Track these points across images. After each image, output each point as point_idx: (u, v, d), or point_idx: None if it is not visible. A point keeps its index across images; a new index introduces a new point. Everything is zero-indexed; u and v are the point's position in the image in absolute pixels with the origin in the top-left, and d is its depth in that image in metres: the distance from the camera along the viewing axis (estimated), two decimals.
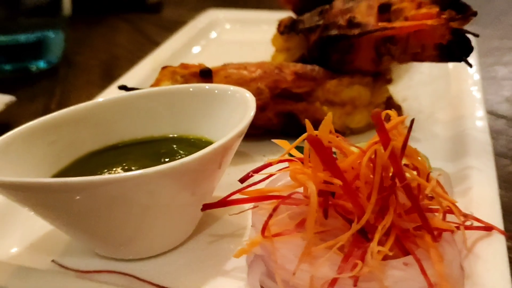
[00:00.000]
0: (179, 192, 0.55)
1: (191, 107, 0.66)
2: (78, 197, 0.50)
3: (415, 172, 0.54)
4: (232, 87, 0.65)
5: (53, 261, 0.57)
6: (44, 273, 0.54)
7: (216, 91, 0.65)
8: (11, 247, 0.59)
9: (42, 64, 1.14)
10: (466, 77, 0.95)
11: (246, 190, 0.55)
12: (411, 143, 0.76)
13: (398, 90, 0.96)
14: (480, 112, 0.82)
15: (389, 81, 0.82)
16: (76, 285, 0.53)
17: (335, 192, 0.52)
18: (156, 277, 0.55)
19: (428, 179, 0.52)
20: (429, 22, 0.66)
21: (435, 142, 0.79)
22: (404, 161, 0.53)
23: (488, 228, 0.55)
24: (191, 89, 0.67)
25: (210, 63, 0.80)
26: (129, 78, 0.95)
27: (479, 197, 0.62)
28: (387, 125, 0.51)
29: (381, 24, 0.72)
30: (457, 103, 0.86)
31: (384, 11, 0.72)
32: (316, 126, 0.52)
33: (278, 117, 0.78)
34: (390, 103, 0.85)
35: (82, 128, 0.63)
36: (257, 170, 0.58)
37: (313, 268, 0.48)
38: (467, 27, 0.69)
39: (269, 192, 0.54)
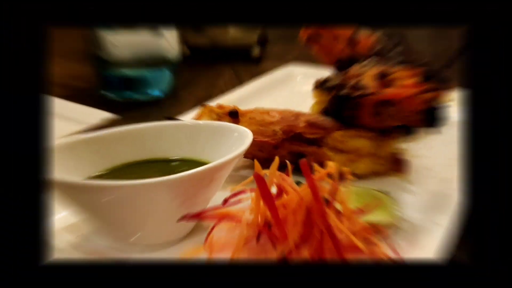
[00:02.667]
0: (171, 202, 0.59)
1: (205, 139, 0.71)
2: (90, 196, 0.57)
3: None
4: (234, 125, 0.68)
5: None
6: None
7: (222, 127, 0.69)
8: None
9: (154, 93, 1.24)
10: None
11: (214, 210, 0.58)
12: (406, 194, 0.74)
13: (418, 148, 0.91)
14: None
15: (394, 138, 0.79)
16: None
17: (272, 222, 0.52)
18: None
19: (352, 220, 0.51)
20: (408, 91, 0.64)
21: (423, 196, 0.75)
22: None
23: None
24: (207, 125, 0.71)
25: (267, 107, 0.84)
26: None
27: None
28: (320, 172, 0.50)
29: (376, 89, 0.70)
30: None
31: (382, 78, 0.71)
32: (322, 168, 0.55)
33: (291, 156, 0.79)
34: (396, 158, 0.81)
35: (122, 143, 0.70)
36: (233, 195, 0.60)
37: None
38: None
39: (227, 213, 0.56)
